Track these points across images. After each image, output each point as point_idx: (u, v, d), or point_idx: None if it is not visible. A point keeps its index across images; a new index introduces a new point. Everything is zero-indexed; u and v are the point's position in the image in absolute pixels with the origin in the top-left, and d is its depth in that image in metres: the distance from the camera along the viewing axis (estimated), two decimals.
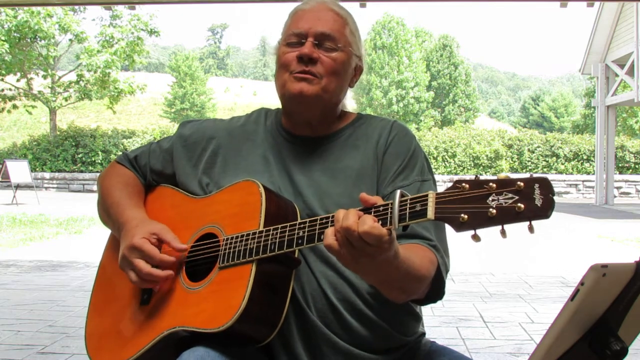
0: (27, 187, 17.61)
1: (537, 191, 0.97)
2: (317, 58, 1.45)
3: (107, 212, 1.57)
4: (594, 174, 19.44)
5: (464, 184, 1.03)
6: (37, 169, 22.06)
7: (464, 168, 22.35)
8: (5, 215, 11.81)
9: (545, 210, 0.96)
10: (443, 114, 43.08)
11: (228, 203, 1.42)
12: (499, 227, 0.99)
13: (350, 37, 1.50)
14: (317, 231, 1.22)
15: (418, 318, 1.49)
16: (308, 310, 1.36)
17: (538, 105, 56.56)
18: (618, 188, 20.56)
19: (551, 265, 6.92)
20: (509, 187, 0.99)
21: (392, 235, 1.10)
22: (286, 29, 1.51)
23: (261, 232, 1.30)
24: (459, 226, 1.01)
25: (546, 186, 0.97)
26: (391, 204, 1.10)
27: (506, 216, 0.98)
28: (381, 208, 1.12)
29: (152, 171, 1.63)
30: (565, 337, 0.94)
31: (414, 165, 1.45)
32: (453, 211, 1.03)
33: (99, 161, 22.46)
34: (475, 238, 1.01)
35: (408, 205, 1.08)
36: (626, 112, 31.84)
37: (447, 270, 1.37)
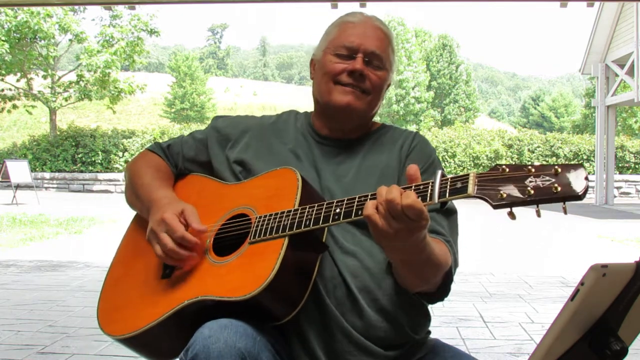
0: (27, 187, 17.61)
1: (573, 175, 1.04)
2: (367, 75, 1.52)
3: (136, 193, 1.60)
4: (594, 174, 19.43)
5: (503, 167, 1.10)
6: (37, 169, 22.05)
7: (464, 168, 22.35)
8: (5, 215, 11.81)
9: (580, 191, 1.03)
10: (443, 114, 43.08)
11: (263, 188, 1.46)
12: (535, 207, 1.06)
13: (392, 56, 1.58)
14: (355, 207, 1.25)
15: (429, 318, 1.53)
16: (327, 297, 1.38)
17: (538, 105, 56.55)
18: (618, 188, 20.57)
19: (551, 265, 6.93)
20: (546, 171, 1.06)
21: (427, 215, 1.16)
22: (334, 39, 1.57)
23: (296, 210, 1.33)
24: (497, 202, 1.08)
25: (581, 171, 1.04)
26: (432, 182, 1.16)
27: (543, 195, 1.05)
28: (421, 186, 1.18)
29: (185, 159, 1.68)
30: (565, 337, 0.94)
31: (433, 173, 1.47)
32: (492, 188, 1.09)
33: (99, 161, 22.46)
34: (511, 215, 1.08)
35: (449, 183, 1.14)
36: (626, 112, 31.83)
37: (456, 267, 1.43)
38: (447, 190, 1.14)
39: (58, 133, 23.92)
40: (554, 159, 22.79)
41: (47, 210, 13.44)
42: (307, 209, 1.32)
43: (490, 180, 1.10)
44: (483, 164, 22.38)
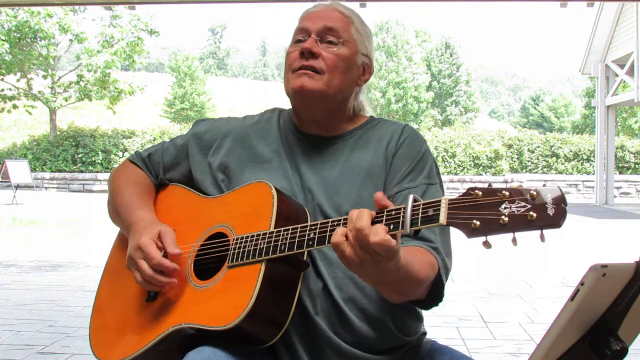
0: (27, 187, 17.62)
1: (549, 201, 0.97)
2: (319, 53, 1.45)
3: (117, 211, 1.57)
4: (594, 174, 19.43)
5: (477, 191, 1.03)
6: (37, 169, 22.05)
7: (463, 168, 22.35)
8: (5, 215, 11.81)
9: (557, 219, 0.96)
10: (444, 114, 43.07)
11: (239, 203, 1.42)
12: (511, 235, 0.99)
13: (356, 35, 1.50)
14: (327, 233, 1.21)
15: (420, 318, 1.50)
16: (313, 312, 1.36)
17: (538, 105, 56.49)
18: (618, 188, 20.56)
19: (551, 265, 6.93)
20: (521, 196, 0.99)
21: (398, 245, 1.10)
22: (294, 31, 1.53)
23: (272, 232, 1.30)
24: (471, 232, 1.01)
25: (559, 196, 0.97)
26: (404, 208, 1.10)
27: (518, 224, 0.98)
28: (393, 212, 1.12)
29: (166, 168, 1.63)
30: (565, 337, 0.94)
31: (422, 169, 1.46)
32: (465, 217, 1.02)
33: (99, 161, 22.45)
34: (487, 245, 1.01)
35: (420, 210, 1.08)
36: (626, 112, 31.83)
37: (447, 273, 1.37)
38: (419, 219, 1.08)
39: (58, 133, 23.92)
40: (554, 159, 22.80)
41: (47, 210, 13.44)
42: (281, 233, 1.28)
43: (463, 207, 1.03)
44: (483, 164, 22.38)
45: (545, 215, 0.96)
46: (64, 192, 21.19)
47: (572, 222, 11.65)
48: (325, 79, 1.44)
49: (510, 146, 23.31)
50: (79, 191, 21.50)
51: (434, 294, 1.34)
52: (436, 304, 1.38)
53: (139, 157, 1.66)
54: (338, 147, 1.51)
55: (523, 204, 0.98)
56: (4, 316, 4.33)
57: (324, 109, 1.49)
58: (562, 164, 22.71)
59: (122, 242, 1.60)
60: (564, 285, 5.68)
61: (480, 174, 21.95)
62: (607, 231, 10.71)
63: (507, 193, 1.00)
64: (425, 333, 1.54)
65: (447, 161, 22.53)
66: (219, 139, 1.58)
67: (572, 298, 0.90)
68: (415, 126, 37.20)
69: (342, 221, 1.19)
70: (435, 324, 4.02)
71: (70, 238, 9.31)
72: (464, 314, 4.45)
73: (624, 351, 0.94)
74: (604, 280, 0.90)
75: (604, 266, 0.89)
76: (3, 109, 24.68)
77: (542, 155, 22.97)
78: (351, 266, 1.15)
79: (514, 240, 0.99)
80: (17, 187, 16.05)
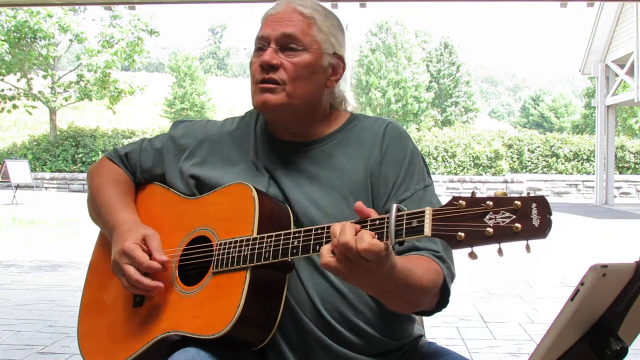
0: (27, 187, 17.62)
1: (534, 211, 0.96)
2: (279, 64, 1.39)
3: (98, 212, 1.54)
4: (594, 174, 19.43)
5: (461, 201, 1.02)
6: (37, 169, 22.06)
7: (464, 168, 22.34)
8: (5, 215, 11.81)
9: (542, 230, 0.95)
10: (444, 114, 43.08)
11: (220, 206, 1.40)
12: (496, 246, 0.98)
13: (320, 35, 1.42)
14: (312, 242, 1.20)
15: (412, 320, 1.47)
16: (301, 313, 1.34)
17: (538, 105, 56.46)
18: (618, 188, 20.55)
19: (551, 265, 6.93)
20: (506, 206, 0.98)
21: (389, 250, 1.08)
22: (256, 35, 1.46)
23: (255, 239, 1.28)
24: (456, 244, 1.01)
25: (543, 206, 0.96)
26: (387, 218, 1.08)
27: (503, 236, 0.97)
28: (377, 222, 1.11)
29: (142, 169, 1.60)
30: (565, 337, 0.94)
31: (412, 173, 1.42)
32: (450, 229, 1.02)
33: None
34: (472, 256, 1.00)
35: (405, 221, 1.07)
36: (626, 112, 31.82)
37: (452, 279, 1.35)
38: (404, 230, 1.06)
39: (58, 133, 23.93)
40: (554, 159, 22.80)
41: (47, 210, 13.44)
42: (265, 239, 1.26)
43: (447, 218, 1.02)
44: (483, 164, 22.38)
45: (531, 226, 0.96)
46: (64, 192, 21.19)
47: (572, 222, 11.67)
48: (287, 90, 1.39)
49: (510, 146, 23.31)
50: (79, 191, 21.49)
51: (440, 301, 1.33)
52: (439, 310, 1.36)
53: (116, 155, 1.63)
54: (316, 152, 1.45)
55: (508, 214, 0.97)
56: (4, 316, 4.33)
57: (292, 117, 1.45)
58: (562, 164, 22.71)
59: (103, 243, 1.57)
60: (564, 285, 5.68)
61: (480, 174, 21.94)
62: (607, 231, 10.71)
63: (491, 203, 0.99)
64: (422, 335, 1.51)
65: (447, 161, 22.51)
66: (193, 145, 1.54)
67: (572, 298, 0.90)
68: (415, 126, 37.23)
69: (325, 230, 1.18)
70: (435, 324, 4.02)
71: (70, 238, 9.32)
72: (464, 314, 4.45)
73: (624, 351, 0.94)
74: (604, 280, 0.90)
75: (604, 266, 0.89)
76: (3, 109, 24.69)
77: (542, 155, 22.97)
78: (346, 280, 1.13)
79: (500, 251, 0.98)
80: (17, 187, 16.05)
